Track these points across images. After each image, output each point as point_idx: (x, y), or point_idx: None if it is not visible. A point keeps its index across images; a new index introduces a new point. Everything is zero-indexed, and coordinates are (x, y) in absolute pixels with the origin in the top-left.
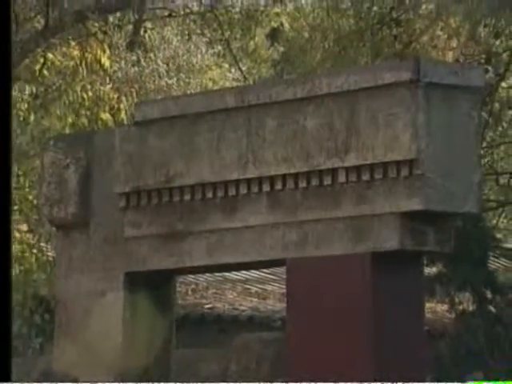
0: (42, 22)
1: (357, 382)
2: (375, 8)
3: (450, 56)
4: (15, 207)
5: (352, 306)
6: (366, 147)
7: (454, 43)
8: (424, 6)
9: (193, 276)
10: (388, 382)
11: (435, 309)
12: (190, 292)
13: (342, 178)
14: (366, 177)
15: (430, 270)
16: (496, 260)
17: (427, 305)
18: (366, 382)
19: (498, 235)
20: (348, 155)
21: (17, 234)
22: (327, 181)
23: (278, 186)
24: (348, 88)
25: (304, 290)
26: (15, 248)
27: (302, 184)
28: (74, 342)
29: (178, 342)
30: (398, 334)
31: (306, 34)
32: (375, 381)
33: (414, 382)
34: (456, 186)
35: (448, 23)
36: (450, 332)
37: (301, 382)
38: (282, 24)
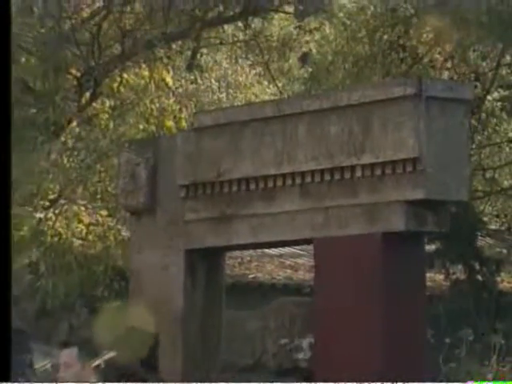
0: (120, 48)
1: (370, 330)
2: (385, 36)
3: (445, 75)
4: (97, 196)
5: (366, 275)
6: (378, 148)
7: (449, 64)
8: (425, 35)
9: (239, 252)
10: (396, 331)
11: (434, 278)
12: (236, 265)
13: (358, 173)
14: (378, 172)
15: (430, 247)
16: (482, 239)
17: (428, 275)
18: (377, 330)
19: (484, 219)
20: (364, 155)
21: (99, 218)
22: (347, 175)
23: (308, 180)
24: (363, 101)
25: (328, 263)
26: (98, 229)
27: (327, 178)
28: (144, 304)
29: (228, 304)
30: (403, 296)
31: (330, 58)
32: (386, 331)
33: (419, 336)
34: (450, 179)
35: (444, 48)
36: (446, 296)
37: (325, 335)
38: (310, 49)
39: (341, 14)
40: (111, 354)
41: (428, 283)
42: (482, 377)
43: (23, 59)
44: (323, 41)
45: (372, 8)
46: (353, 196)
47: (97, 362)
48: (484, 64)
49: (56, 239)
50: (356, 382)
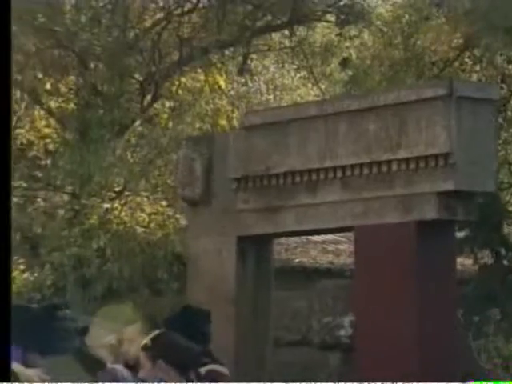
0: (178, 55)
1: (405, 309)
2: (419, 42)
3: (474, 77)
4: (158, 188)
5: (402, 259)
6: (413, 144)
7: (477, 68)
8: (455, 41)
9: (285, 238)
10: (429, 309)
11: (463, 262)
12: (283, 250)
13: (394, 167)
14: (412, 166)
15: (460, 234)
16: (508, 226)
17: (457, 259)
18: (412, 309)
19: (510, 208)
20: (399, 150)
21: (159, 208)
22: (384, 169)
23: (348, 173)
24: (399, 101)
25: (367, 248)
26: (158, 218)
27: (366, 171)
28: (200, 285)
29: (276, 286)
30: (435, 279)
31: (368, 62)
32: (419, 310)
33: (450, 316)
34: (479, 172)
35: (473, 53)
36: (474, 279)
37: (364, 314)
38: (350, 55)
39: (378, 22)
40: (157, 332)
41: (458, 267)
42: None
43: (92, 65)
44: (362, 47)
45: (407, 16)
46: (389, 188)
47: (144, 341)
48: (510, 67)
49: (121, 227)
50: (391, 356)
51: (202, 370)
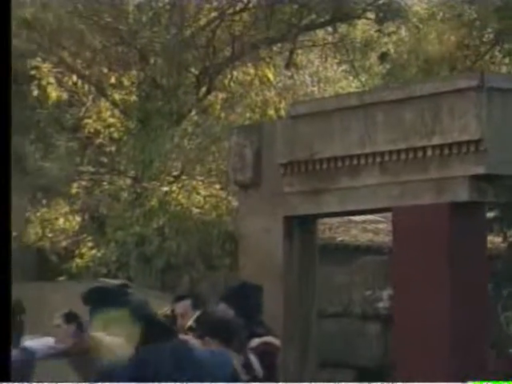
0: (230, 50)
1: (438, 284)
2: (452, 37)
3: (504, 69)
4: (212, 173)
5: (436, 238)
6: (447, 131)
7: (506, 60)
8: (486, 36)
9: (328, 218)
10: (461, 284)
11: (493, 240)
12: (326, 230)
13: (429, 152)
14: (445, 152)
15: (490, 214)
16: None
17: (488, 238)
18: (445, 283)
19: None
20: (434, 137)
21: (213, 191)
22: (419, 155)
23: (386, 158)
24: (433, 92)
25: (404, 227)
26: (212, 200)
27: (403, 157)
28: (251, 261)
29: (320, 262)
30: (467, 255)
31: (405, 56)
32: (453, 285)
33: (481, 289)
34: (508, 157)
35: (503, 47)
36: (503, 256)
37: (402, 288)
38: (388, 49)
39: (414, 19)
40: (199, 313)
41: (488, 245)
42: None
43: (152, 61)
44: (399, 42)
45: (441, 14)
46: (424, 172)
47: (189, 323)
48: None
49: (178, 208)
50: (425, 326)
51: (256, 340)
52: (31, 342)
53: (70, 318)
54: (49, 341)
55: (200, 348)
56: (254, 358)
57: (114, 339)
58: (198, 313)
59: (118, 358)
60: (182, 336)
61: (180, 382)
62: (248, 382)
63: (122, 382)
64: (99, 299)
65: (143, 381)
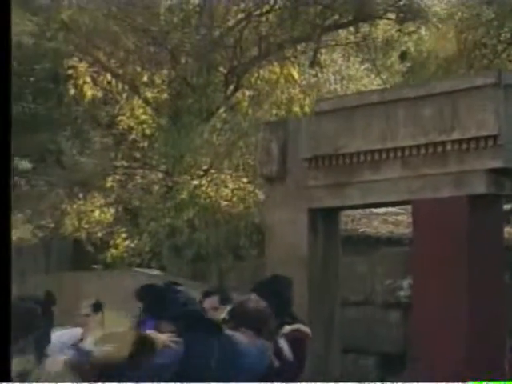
0: (257, 50)
1: (456, 273)
2: (470, 37)
3: None
4: (240, 167)
5: (455, 229)
6: (465, 127)
7: None
8: (503, 35)
9: (351, 211)
10: (478, 273)
11: (510, 231)
12: (349, 221)
13: (448, 147)
14: (464, 146)
15: (506, 206)
16: None
17: (505, 229)
18: (463, 272)
19: None
20: (453, 132)
21: (241, 184)
22: (439, 149)
23: (407, 153)
24: (452, 89)
25: (423, 219)
26: (240, 193)
27: (422, 151)
28: (276, 252)
29: (343, 252)
30: (484, 246)
31: (424, 55)
32: (470, 274)
33: (498, 278)
34: None
35: None
36: None
37: (421, 277)
38: (408, 48)
39: (434, 19)
40: (232, 306)
41: (505, 235)
42: None
43: (183, 60)
44: (419, 41)
45: (459, 14)
46: (443, 166)
47: (223, 316)
48: None
49: (208, 201)
50: (443, 313)
51: (288, 328)
52: (63, 334)
53: (98, 307)
54: (77, 332)
55: (243, 342)
56: (285, 345)
57: (163, 335)
58: (230, 306)
59: (168, 353)
60: (227, 331)
61: (226, 374)
62: (279, 368)
63: (170, 376)
64: (151, 296)
65: (192, 375)
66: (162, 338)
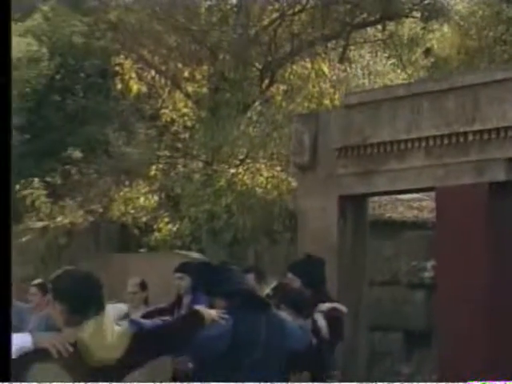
0: (290, 47)
1: (477, 255)
2: (491, 33)
3: None
4: (274, 156)
5: (475, 214)
6: (486, 118)
7: None
8: None
9: (378, 197)
10: (498, 257)
11: None
12: (376, 207)
13: (470, 137)
14: (485, 137)
15: None
16: None
17: None
18: (484, 255)
19: None
20: (474, 123)
21: (275, 173)
22: (461, 139)
23: (431, 143)
24: (474, 82)
25: (446, 205)
26: (274, 181)
27: (445, 141)
28: (308, 236)
29: (370, 236)
30: (504, 230)
31: (447, 51)
32: (491, 257)
33: None
34: None
35: None
36: None
37: (444, 259)
38: (432, 45)
39: (456, 17)
40: (275, 284)
41: None
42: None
43: (221, 57)
44: (442, 38)
45: (480, 12)
46: (465, 155)
47: (267, 291)
48: None
49: (244, 188)
50: (465, 293)
51: (325, 306)
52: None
53: (144, 286)
54: (124, 307)
55: (289, 321)
56: (322, 322)
57: (213, 310)
58: (275, 283)
59: (217, 328)
60: (275, 310)
61: (270, 350)
62: (316, 344)
63: (220, 351)
64: (206, 273)
65: (240, 350)
66: (212, 313)
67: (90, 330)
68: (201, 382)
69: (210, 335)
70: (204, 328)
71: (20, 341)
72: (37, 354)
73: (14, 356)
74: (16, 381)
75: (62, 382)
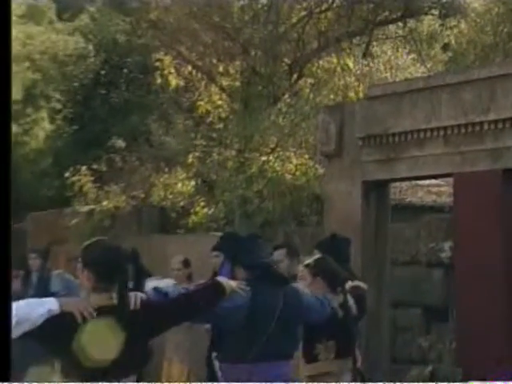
0: (317, 43)
1: (492, 238)
2: (505, 29)
3: None
4: (302, 145)
5: (490, 198)
6: (501, 109)
7: None
8: None
9: (399, 183)
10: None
11: None
12: (397, 192)
13: (485, 126)
14: (500, 126)
15: None
16: None
17: None
18: (498, 237)
19: None
20: (489, 113)
21: (303, 160)
22: (477, 128)
23: (449, 132)
24: (490, 75)
25: (463, 190)
26: (302, 168)
27: (462, 130)
28: (334, 219)
29: (392, 219)
30: None
31: (464, 46)
32: (504, 239)
33: None
34: None
35: None
36: None
37: (461, 240)
38: (450, 40)
39: (472, 14)
40: (318, 256)
41: None
42: None
43: (253, 53)
44: (459, 34)
45: (496, 9)
46: (481, 143)
47: (308, 261)
48: None
49: (274, 174)
50: (481, 270)
51: (348, 284)
52: (157, 283)
53: (187, 263)
54: (169, 282)
55: (306, 294)
56: (350, 299)
57: (234, 281)
58: (318, 255)
59: (235, 299)
60: (293, 283)
61: (287, 322)
62: (343, 318)
63: (238, 322)
64: (230, 243)
65: (259, 321)
66: (232, 284)
67: None
68: (220, 352)
69: (229, 306)
70: (224, 299)
71: (48, 305)
72: (63, 318)
73: (42, 319)
74: (16, 381)
75: (61, 382)
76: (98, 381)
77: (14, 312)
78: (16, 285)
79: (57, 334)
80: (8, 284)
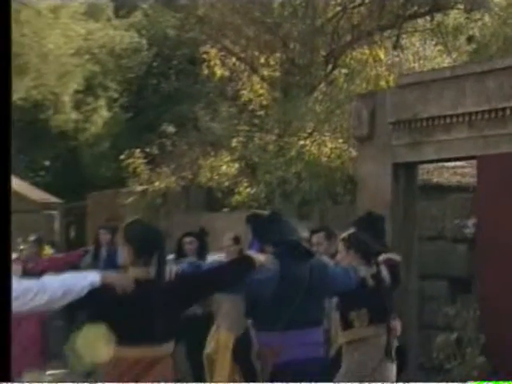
0: (350, 36)
1: (508, 216)
2: None
3: None
4: (337, 129)
5: (511, 177)
6: None
7: None
8: None
9: (426, 165)
10: None
11: None
12: (425, 173)
13: (508, 112)
14: None
15: None
16: None
17: None
18: None
19: None
20: (511, 100)
21: (338, 144)
22: (500, 114)
23: (473, 117)
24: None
25: (486, 171)
26: (336, 151)
27: (486, 116)
28: (366, 198)
29: (420, 198)
30: None
31: (488, 38)
32: None
33: None
34: None
35: None
36: None
37: (484, 217)
38: (474, 32)
39: (496, 8)
40: (352, 231)
41: None
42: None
43: (291, 45)
44: (483, 27)
45: None
46: (503, 127)
47: (344, 235)
48: None
49: (311, 157)
50: (502, 244)
51: (382, 256)
52: (216, 257)
53: (237, 240)
54: (221, 256)
55: (331, 266)
56: (384, 270)
57: (263, 255)
58: (351, 230)
59: (265, 271)
60: (319, 257)
61: (314, 294)
62: (375, 288)
63: (267, 294)
64: (258, 222)
65: (287, 292)
66: (261, 258)
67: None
68: (254, 320)
69: (260, 278)
70: (254, 272)
71: (90, 278)
72: (104, 289)
73: (86, 291)
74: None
75: (62, 382)
76: (141, 344)
77: (60, 283)
78: (87, 258)
79: (100, 303)
80: (8, 283)
